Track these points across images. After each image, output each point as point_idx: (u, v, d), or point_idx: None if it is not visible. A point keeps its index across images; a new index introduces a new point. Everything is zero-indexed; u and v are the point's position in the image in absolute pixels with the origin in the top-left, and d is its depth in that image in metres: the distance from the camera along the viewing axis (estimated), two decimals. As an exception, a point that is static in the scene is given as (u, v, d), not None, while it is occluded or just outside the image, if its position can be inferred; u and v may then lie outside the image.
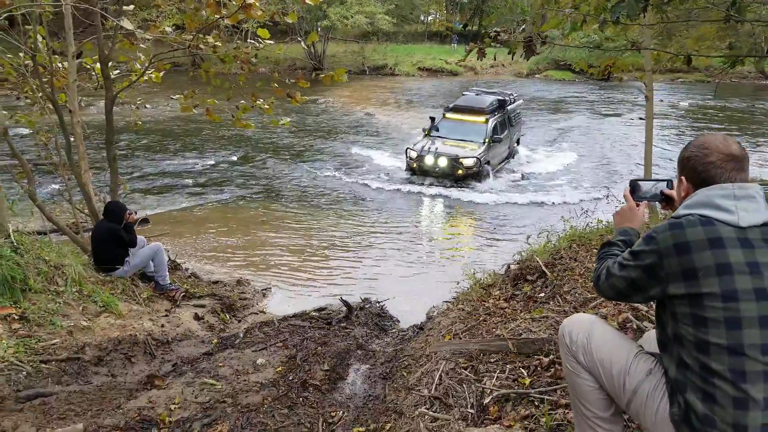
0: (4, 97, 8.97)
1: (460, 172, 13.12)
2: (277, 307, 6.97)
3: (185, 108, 7.10)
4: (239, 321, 6.28)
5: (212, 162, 14.76)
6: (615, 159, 16.26)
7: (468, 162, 13.14)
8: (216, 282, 7.46)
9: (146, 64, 7.28)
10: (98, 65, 7.33)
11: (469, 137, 13.71)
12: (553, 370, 2.46)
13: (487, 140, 13.61)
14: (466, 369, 2.76)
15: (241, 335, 4.76)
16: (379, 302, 6.45)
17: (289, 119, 7.97)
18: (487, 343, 2.89)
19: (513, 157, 15.70)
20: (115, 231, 5.96)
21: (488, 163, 13.68)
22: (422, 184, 13.30)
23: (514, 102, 15.96)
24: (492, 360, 2.77)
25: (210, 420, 3.08)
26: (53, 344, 4.13)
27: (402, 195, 12.80)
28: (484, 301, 4.13)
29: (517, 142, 16.23)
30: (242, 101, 7.25)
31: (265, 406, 3.25)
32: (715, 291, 1.51)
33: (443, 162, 13.15)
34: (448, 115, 14.76)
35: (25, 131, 10.76)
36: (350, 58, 35.51)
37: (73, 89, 7.13)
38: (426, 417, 2.52)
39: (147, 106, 13.51)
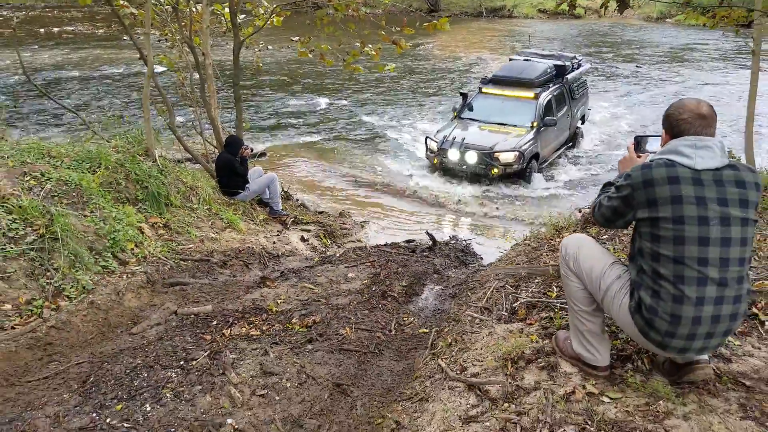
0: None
1: (495, 171, 9.79)
2: (373, 238, 7.73)
3: (302, 53, 7.82)
4: (339, 247, 7.09)
5: (323, 103, 15.69)
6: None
7: (506, 157, 9.73)
8: (321, 212, 8.35)
9: (269, 10, 8.06)
10: (227, 11, 8.23)
11: (511, 120, 10.48)
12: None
13: (536, 123, 10.23)
14: (512, 287, 3.29)
15: (337, 255, 5.53)
16: (465, 240, 6.97)
17: (394, 65, 8.50)
18: (534, 268, 3.37)
19: (576, 142, 12.28)
20: (231, 162, 6.91)
21: (536, 157, 10.22)
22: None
23: (578, 68, 12.16)
24: (535, 281, 3.27)
25: (307, 312, 3.85)
26: (189, 248, 5.12)
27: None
28: (552, 240, 4.54)
29: (582, 120, 12.60)
30: (357, 43, 7.85)
31: (351, 306, 3.96)
32: (667, 215, 1.94)
33: (472, 158, 9.83)
34: (485, 89, 11.30)
35: (160, 69, 12.08)
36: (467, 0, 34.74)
37: (206, 33, 8.07)
38: (473, 319, 3.09)
39: (269, 47, 14.54)
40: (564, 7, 4.77)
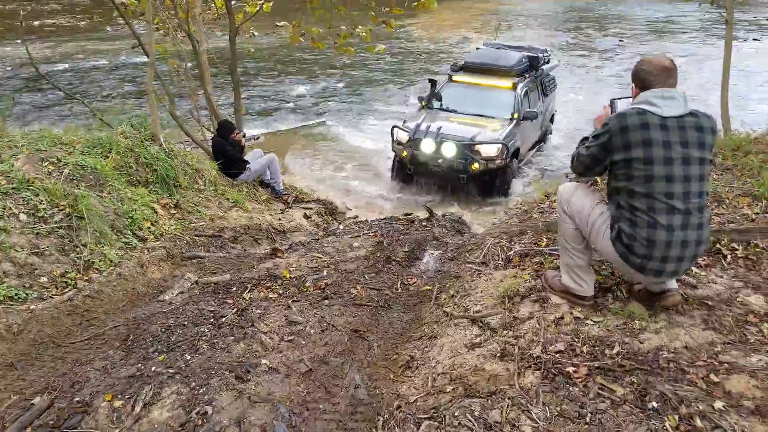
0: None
1: (475, 166, 8.50)
2: (372, 215, 8.07)
3: (294, 38, 8.07)
4: (339, 223, 7.42)
5: (314, 88, 15.91)
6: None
7: (488, 150, 8.54)
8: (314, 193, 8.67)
9: (260, -2, 8.31)
10: (218, -1, 8.47)
11: (488, 111, 9.36)
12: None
13: (516, 115, 9.15)
14: (507, 242, 3.64)
15: (341, 228, 5.85)
16: (460, 214, 7.34)
17: (384, 46, 8.78)
18: (525, 225, 3.71)
19: (545, 142, 11.49)
20: (222, 145, 7.18)
21: (517, 153, 9.14)
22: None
23: (548, 61, 11.26)
24: (526, 236, 3.63)
25: (318, 277, 4.18)
26: (201, 225, 5.42)
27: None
28: (541, 204, 4.90)
29: (551, 119, 11.95)
30: (343, 27, 8.13)
31: (359, 270, 4.30)
32: (639, 156, 2.30)
33: (450, 150, 8.57)
34: (456, 77, 10.16)
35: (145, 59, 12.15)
36: (453, -22, 34.66)
37: (199, 21, 8.29)
38: (473, 272, 3.44)
39: (255, 34, 14.74)
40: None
